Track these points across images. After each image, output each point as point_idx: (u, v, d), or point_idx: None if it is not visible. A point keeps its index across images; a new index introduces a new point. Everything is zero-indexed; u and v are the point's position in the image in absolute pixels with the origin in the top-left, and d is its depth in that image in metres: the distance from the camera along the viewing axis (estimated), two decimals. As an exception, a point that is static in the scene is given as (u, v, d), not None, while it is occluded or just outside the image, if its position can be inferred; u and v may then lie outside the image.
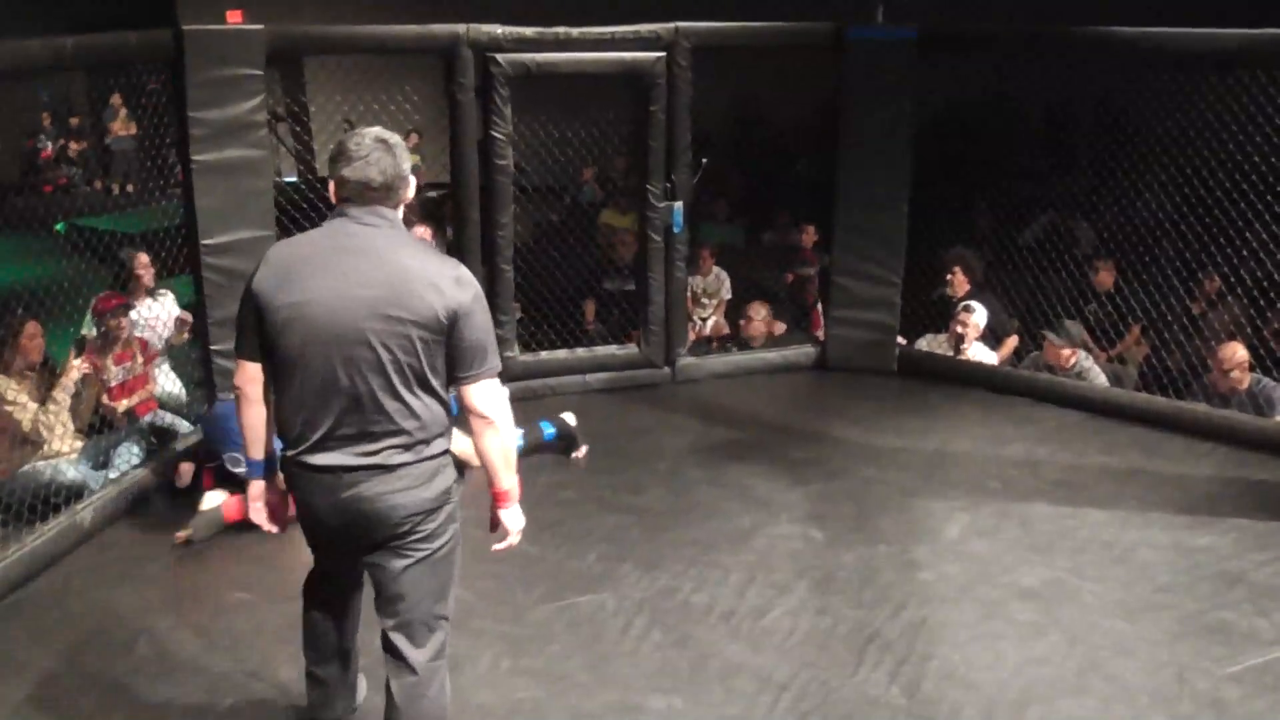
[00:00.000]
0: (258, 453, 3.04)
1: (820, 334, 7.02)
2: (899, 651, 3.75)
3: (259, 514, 3.11)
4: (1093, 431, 5.77)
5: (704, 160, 6.75)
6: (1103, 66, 6.30)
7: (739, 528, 4.69)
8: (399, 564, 2.90)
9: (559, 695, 3.53)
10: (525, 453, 5.14)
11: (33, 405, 4.97)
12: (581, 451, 5.47)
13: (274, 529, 3.15)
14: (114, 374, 5.50)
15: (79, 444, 5.15)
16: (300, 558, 4.36)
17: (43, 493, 4.59)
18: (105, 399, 5.42)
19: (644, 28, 6.03)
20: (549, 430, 5.48)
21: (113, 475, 5.00)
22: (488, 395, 2.87)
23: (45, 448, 4.95)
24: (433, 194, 9.94)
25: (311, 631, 3.24)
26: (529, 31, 5.85)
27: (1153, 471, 5.25)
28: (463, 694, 3.53)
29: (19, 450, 4.91)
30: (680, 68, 6.13)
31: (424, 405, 2.82)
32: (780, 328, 7.30)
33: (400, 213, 2.88)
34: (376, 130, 2.85)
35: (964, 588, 4.18)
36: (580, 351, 6.51)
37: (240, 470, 4.30)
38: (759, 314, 7.08)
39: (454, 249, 6.15)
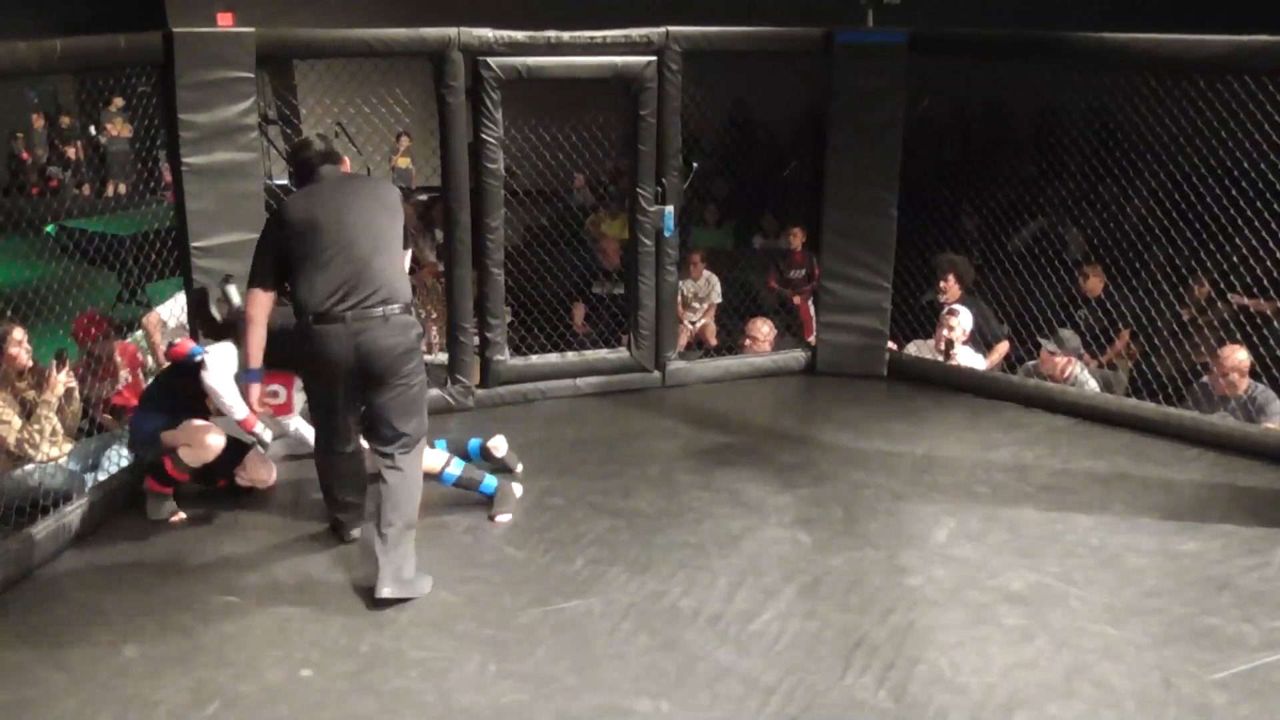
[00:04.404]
0: (257, 363, 4.26)
1: (811, 339, 7.02)
2: (886, 655, 3.75)
3: (261, 405, 4.41)
4: (1080, 436, 5.78)
5: (694, 164, 6.74)
6: (1092, 71, 6.30)
7: (728, 532, 4.69)
8: (387, 395, 4.14)
9: (545, 698, 3.53)
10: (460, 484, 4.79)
11: (17, 422, 4.96)
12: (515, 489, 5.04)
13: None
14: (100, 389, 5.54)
15: (68, 447, 5.14)
16: (284, 563, 4.40)
17: (31, 495, 4.58)
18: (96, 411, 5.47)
19: (635, 32, 6.03)
20: (475, 445, 5.24)
21: (101, 478, 4.99)
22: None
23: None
24: (423, 197, 9.88)
25: (340, 478, 4.43)
26: (520, 35, 5.85)
27: (1140, 477, 5.27)
28: (448, 697, 3.53)
29: (3, 459, 4.90)
30: (671, 72, 6.14)
31: (399, 271, 4.21)
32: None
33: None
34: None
35: (951, 592, 4.19)
36: (570, 355, 6.51)
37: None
38: (762, 331, 7.07)
39: (444, 252, 6.15)
